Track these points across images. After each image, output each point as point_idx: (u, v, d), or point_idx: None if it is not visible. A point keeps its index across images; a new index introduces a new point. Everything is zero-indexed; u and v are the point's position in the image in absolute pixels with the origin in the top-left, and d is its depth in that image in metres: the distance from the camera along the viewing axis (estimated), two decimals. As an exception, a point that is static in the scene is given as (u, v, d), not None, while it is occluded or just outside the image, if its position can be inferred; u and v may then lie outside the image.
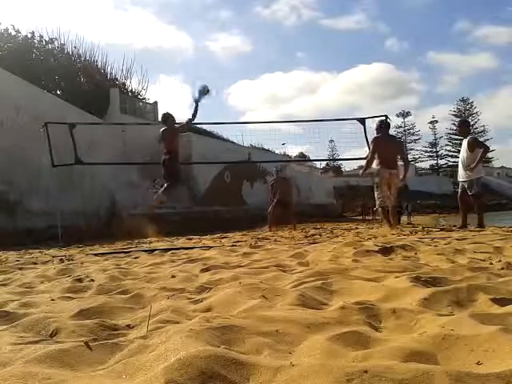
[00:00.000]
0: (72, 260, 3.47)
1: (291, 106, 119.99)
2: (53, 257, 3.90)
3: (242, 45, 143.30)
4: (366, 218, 20.38)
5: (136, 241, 6.59)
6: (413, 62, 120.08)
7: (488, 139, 56.42)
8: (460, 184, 6.82)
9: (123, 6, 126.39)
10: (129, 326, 1.23)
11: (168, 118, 6.88)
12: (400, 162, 6.86)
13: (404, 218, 15.43)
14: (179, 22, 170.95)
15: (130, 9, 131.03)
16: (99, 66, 17.10)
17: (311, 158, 23.64)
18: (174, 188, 6.97)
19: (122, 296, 1.65)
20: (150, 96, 18.81)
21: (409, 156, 68.44)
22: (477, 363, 0.82)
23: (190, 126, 7.32)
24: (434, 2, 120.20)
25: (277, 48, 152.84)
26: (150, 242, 6.11)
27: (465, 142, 6.70)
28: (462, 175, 6.70)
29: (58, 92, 14.18)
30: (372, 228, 8.36)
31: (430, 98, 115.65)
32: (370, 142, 6.24)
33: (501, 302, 1.28)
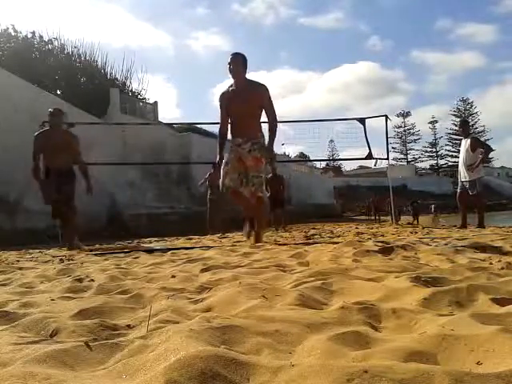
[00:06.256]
0: (72, 260, 3.47)
1: (279, 106, 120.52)
2: (53, 257, 3.90)
3: (222, 44, 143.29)
4: (376, 217, 20.09)
5: (136, 241, 6.60)
6: (397, 61, 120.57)
7: (488, 139, 56.47)
8: (460, 184, 6.83)
9: (98, 3, 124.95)
10: (129, 326, 1.23)
11: (59, 114, 5.00)
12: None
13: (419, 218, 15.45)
14: (156, 20, 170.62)
15: (105, 6, 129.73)
16: (99, 66, 17.12)
17: (311, 158, 23.65)
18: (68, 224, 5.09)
19: (122, 296, 1.65)
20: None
21: (409, 156, 68.75)
22: (477, 363, 0.82)
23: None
24: (411, 1, 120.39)
25: (258, 47, 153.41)
26: (150, 242, 6.12)
27: (466, 142, 6.71)
28: (462, 175, 6.71)
29: (58, 92, 14.19)
30: (372, 228, 8.37)
31: (420, 97, 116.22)
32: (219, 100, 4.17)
33: (501, 302, 1.28)
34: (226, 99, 4.15)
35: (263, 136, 4.22)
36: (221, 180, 4.12)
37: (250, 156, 4.04)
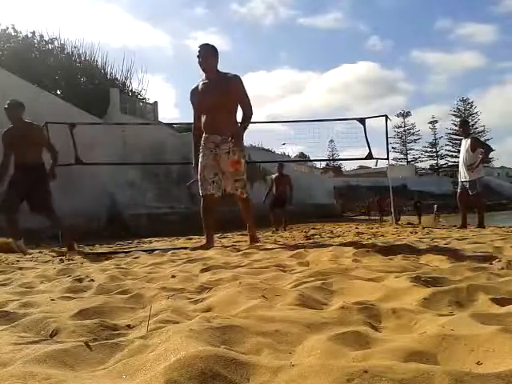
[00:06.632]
0: (72, 260, 3.47)
1: (278, 106, 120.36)
2: (53, 257, 3.90)
3: (221, 44, 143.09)
4: (380, 216, 19.97)
5: (136, 241, 6.60)
6: (397, 61, 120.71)
7: (488, 139, 56.46)
8: (460, 184, 6.83)
9: (97, 3, 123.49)
10: (129, 326, 1.23)
11: (14, 106, 4.63)
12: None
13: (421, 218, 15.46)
14: (154, 20, 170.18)
15: (104, 6, 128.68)
16: (99, 66, 17.12)
17: (311, 158, 23.67)
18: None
19: (122, 296, 1.65)
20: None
21: (409, 156, 68.83)
22: (477, 363, 0.82)
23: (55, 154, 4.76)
24: (410, 1, 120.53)
25: (257, 47, 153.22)
26: (150, 242, 6.12)
27: (466, 142, 6.72)
28: (462, 175, 6.71)
29: (58, 92, 14.19)
30: (372, 228, 8.37)
31: (419, 97, 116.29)
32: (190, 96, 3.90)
33: (501, 302, 1.28)
34: (197, 95, 3.85)
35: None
36: (199, 185, 3.84)
37: (228, 160, 3.73)
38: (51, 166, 4.75)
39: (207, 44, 3.78)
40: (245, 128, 3.78)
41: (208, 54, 3.73)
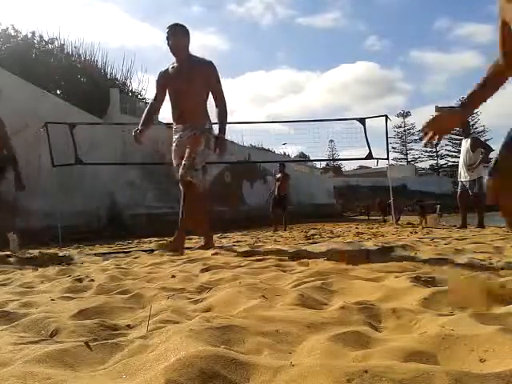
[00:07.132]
0: (72, 260, 3.47)
1: (278, 106, 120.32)
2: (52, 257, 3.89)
3: (219, 44, 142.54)
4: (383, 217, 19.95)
5: (136, 241, 6.59)
6: (396, 61, 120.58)
7: (488, 139, 56.42)
8: (460, 184, 6.84)
9: (94, 2, 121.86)
10: (129, 326, 1.23)
11: None
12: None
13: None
14: (153, 19, 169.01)
15: (102, 6, 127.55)
16: (99, 65, 17.10)
17: (311, 158, 23.70)
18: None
19: (122, 296, 1.65)
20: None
21: (409, 156, 68.87)
22: (477, 363, 0.82)
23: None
24: (409, 1, 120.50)
25: (256, 47, 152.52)
26: (150, 242, 6.11)
27: (466, 142, 6.72)
28: (463, 175, 6.71)
29: (58, 92, 14.18)
30: (372, 228, 8.37)
31: (419, 97, 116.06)
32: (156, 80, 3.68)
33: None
34: (164, 78, 3.57)
35: (210, 123, 3.59)
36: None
37: (188, 139, 3.45)
38: (15, 176, 4.33)
39: (176, 24, 3.46)
40: (224, 131, 3.41)
41: (178, 36, 3.43)
